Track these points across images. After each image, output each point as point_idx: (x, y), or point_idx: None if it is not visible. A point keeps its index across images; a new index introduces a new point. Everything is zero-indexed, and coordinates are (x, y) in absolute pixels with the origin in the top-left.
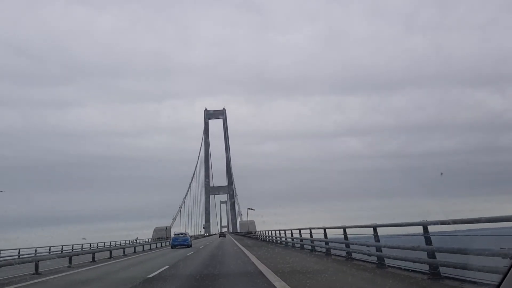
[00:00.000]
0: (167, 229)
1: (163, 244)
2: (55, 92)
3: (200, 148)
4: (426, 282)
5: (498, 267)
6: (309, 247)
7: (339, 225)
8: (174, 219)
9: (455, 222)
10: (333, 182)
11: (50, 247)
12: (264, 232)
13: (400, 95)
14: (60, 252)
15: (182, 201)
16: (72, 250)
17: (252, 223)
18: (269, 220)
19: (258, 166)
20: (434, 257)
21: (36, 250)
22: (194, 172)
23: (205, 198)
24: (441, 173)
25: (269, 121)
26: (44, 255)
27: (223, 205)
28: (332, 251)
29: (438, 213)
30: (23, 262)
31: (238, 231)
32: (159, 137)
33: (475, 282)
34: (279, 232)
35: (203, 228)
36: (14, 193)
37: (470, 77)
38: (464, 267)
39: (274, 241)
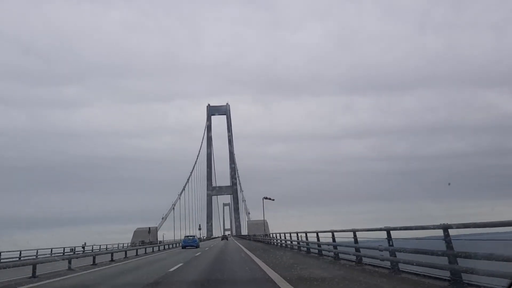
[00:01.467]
0: (151, 231)
1: (151, 249)
2: (62, 91)
3: (201, 144)
4: None
5: None
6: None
7: (348, 228)
8: (163, 219)
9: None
10: (340, 184)
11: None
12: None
13: (411, 96)
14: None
15: (176, 198)
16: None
17: (265, 224)
18: (273, 223)
19: (264, 168)
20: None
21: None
22: (193, 168)
23: (207, 198)
24: (449, 183)
25: (276, 122)
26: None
27: (226, 208)
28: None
29: (443, 217)
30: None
31: (243, 233)
32: (165, 137)
33: None
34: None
35: (199, 229)
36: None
37: (482, 77)
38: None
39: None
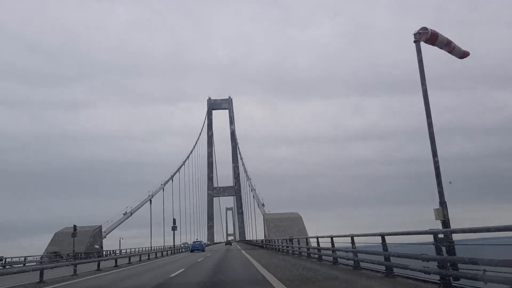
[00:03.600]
0: (93, 234)
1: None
2: (66, 92)
3: (199, 138)
4: None
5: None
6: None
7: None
8: (126, 214)
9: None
10: (345, 188)
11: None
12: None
13: (421, 96)
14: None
15: (158, 189)
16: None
17: (297, 218)
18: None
19: (270, 171)
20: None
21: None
22: (185, 161)
23: (208, 200)
24: (450, 182)
25: (283, 124)
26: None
27: (229, 213)
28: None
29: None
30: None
31: (248, 238)
32: (171, 140)
33: None
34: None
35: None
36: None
37: (495, 77)
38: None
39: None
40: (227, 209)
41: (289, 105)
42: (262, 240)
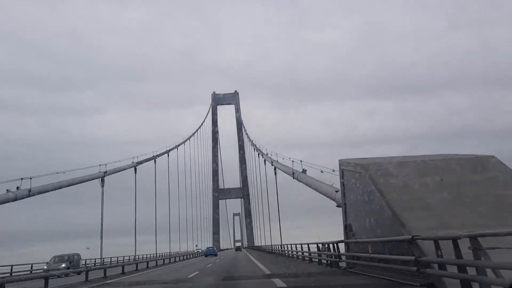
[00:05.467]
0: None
1: None
2: (75, 97)
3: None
4: None
5: None
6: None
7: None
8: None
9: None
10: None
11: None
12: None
13: (436, 99)
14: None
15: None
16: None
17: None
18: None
19: (278, 179)
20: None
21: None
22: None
23: (213, 203)
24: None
25: (295, 128)
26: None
27: (237, 218)
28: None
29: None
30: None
31: (256, 244)
32: (182, 145)
33: None
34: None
35: (196, 245)
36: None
37: None
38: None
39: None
40: (234, 214)
41: (301, 108)
42: (280, 245)
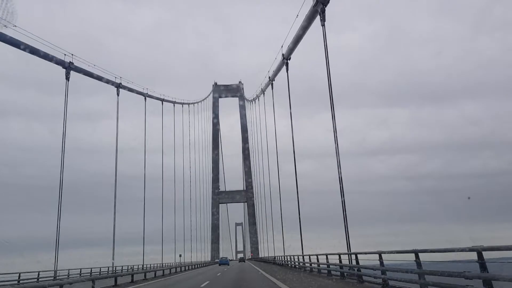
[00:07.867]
0: None
1: None
2: (84, 101)
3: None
4: None
5: None
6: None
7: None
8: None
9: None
10: (366, 205)
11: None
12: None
13: (453, 107)
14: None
15: None
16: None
17: None
18: (293, 245)
19: (285, 187)
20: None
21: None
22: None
23: (213, 208)
24: (468, 197)
25: (307, 137)
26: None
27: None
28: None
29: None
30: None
31: (261, 255)
32: (193, 154)
33: None
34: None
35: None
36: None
37: None
38: None
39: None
40: (237, 224)
41: (315, 116)
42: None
